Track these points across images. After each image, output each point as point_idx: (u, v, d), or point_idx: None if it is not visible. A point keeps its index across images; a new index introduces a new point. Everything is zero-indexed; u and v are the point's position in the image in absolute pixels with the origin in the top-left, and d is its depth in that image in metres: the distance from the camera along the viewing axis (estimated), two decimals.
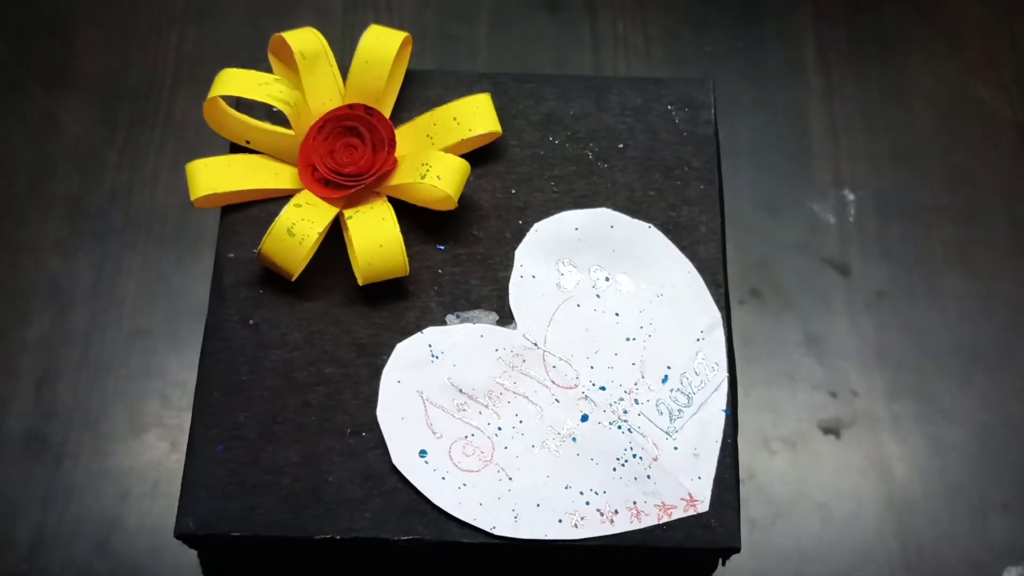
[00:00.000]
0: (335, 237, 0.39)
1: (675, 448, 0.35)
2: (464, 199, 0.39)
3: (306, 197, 0.37)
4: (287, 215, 0.36)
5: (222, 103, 0.39)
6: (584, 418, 0.35)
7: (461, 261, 0.38)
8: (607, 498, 0.34)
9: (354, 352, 0.36)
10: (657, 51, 0.59)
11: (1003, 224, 0.55)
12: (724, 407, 0.36)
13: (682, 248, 0.39)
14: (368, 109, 0.38)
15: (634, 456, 0.34)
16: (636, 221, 0.39)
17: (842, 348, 0.51)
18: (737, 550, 0.35)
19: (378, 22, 0.42)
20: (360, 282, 0.37)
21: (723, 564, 0.37)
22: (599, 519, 0.33)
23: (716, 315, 0.37)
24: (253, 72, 0.39)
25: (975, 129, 0.58)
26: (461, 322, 0.37)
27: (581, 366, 0.36)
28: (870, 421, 0.50)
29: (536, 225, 0.39)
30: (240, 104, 0.40)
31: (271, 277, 0.38)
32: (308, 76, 0.38)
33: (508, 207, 0.39)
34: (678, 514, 0.33)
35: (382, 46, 0.39)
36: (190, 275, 0.51)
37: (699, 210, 0.39)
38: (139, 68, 0.56)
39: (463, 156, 0.38)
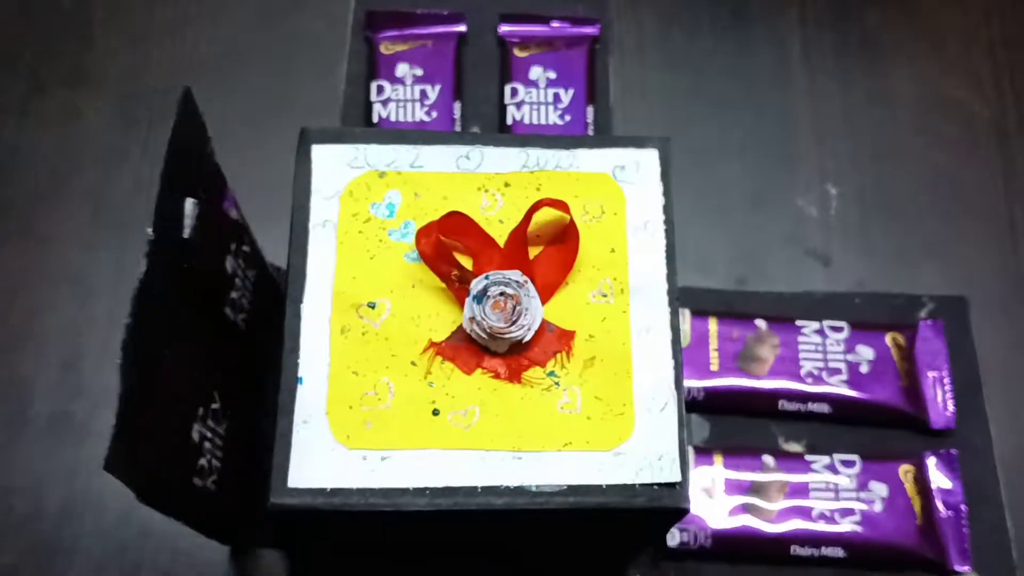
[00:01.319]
0: None
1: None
2: None
3: None
4: None
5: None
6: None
7: None
8: None
9: None
10: (652, 52, 0.62)
11: (979, 220, 0.58)
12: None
13: None
14: None
15: None
16: None
17: None
18: (687, 511, 0.37)
19: None
20: None
21: None
22: None
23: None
24: None
25: (953, 128, 0.61)
26: None
27: None
28: None
29: None
30: None
31: None
32: None
33: None
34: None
35: None
36: None
37: None
38: (157, 67, 0.59)
39: None
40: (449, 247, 0.37)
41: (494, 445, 0.35)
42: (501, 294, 0.35)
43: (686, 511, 0.35)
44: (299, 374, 0.36)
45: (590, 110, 0.57)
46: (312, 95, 0.58)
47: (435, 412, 0.35)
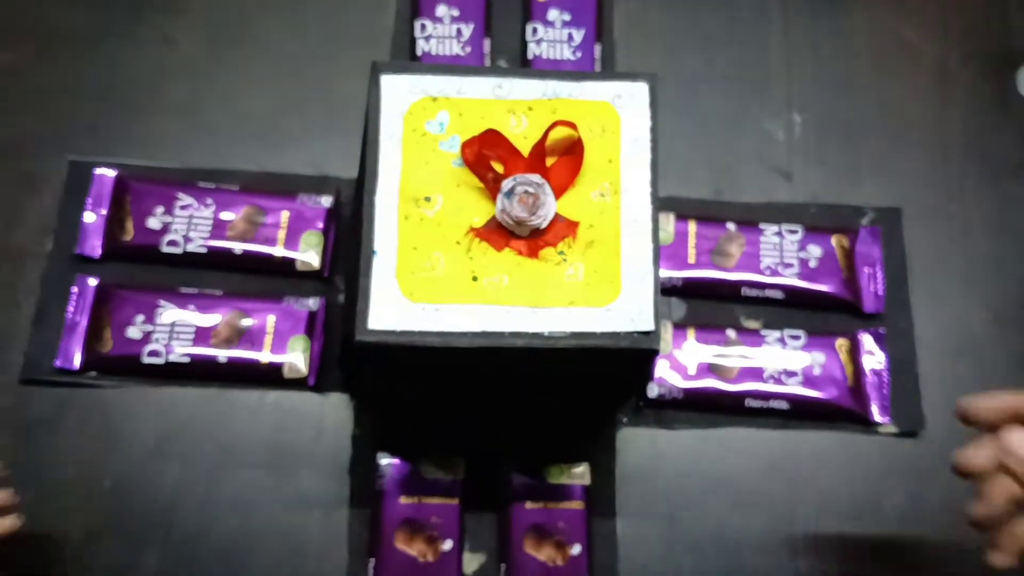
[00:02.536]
0: None
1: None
2: None
3: None
4: None
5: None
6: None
7: None
8: None
9: None
10: None
11: (917, 144, 0.70)
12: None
13: None
14: None
15: None
16: None
17: None
18: (657, 352, 0.49)
19: None
20: None
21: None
22: None
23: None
24: None
25: (902, 64, 0.72)
26: None
27: None
28: None
29: None
30: None
31: None
32: None
33: None
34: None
35: None
36: (284, 161, 0.66)
37: None
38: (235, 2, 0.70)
39: None
40: (486, 156, 0.49)
41: (518, 302, 0.48)
42: (525, 192, 0.48)
43: (657, 352, 0.49)
44: (374, 248, 0.48)
45: (598, 47, 0.69)
46: (366, 29, 0.70)
47: (474, 278, 0.48)
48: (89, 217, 0.63)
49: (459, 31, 0.68)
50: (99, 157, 0.65)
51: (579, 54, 0.68)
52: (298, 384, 0.61)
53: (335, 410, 0.61)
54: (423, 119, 0.50)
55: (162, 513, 0.58)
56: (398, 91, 0.51)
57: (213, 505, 0.59)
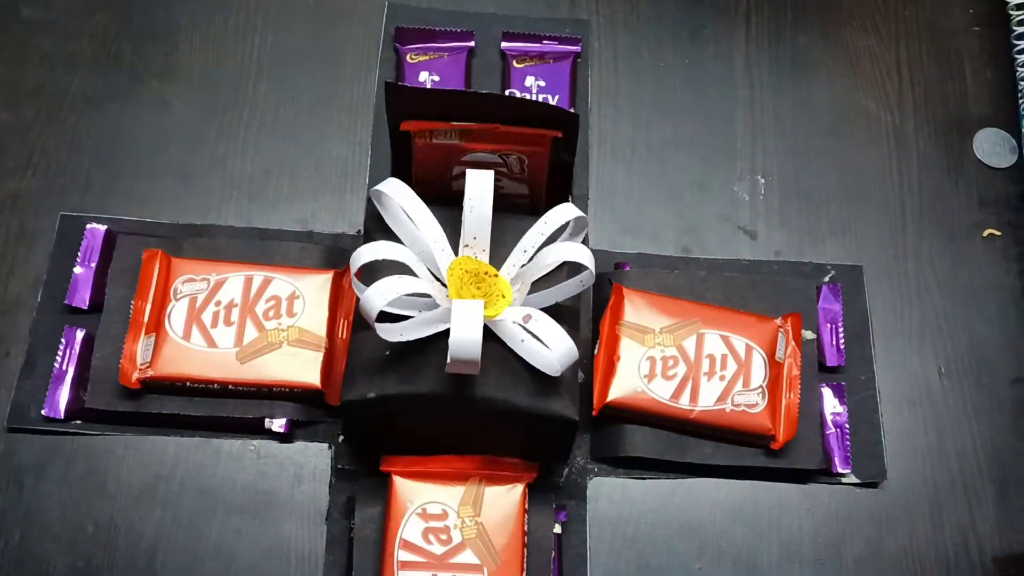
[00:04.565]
0: None
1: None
2: None
3: None
4: None
5: None
6: None
7: None
8: None
9: None
10: (623, 66, 0.77)
11: (876, 205, 0.74)
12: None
13: None
14: None
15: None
16: None
17: None
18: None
19: None
20: None
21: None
22: None
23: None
24: None
25: (861, 131, 0.76)
26: None
27: None
28: None
29: None
30: None
31: None
32: None
33: None
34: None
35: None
36: (273, 221, 0.69)
37: None
38: (230, 64, 0.74)
39: None
40: None
41: None
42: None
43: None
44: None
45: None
46: (352, 92, 0.73)
47: None
48: (79, 270, 0.65)
49: None
50: (94, 213, 0.68)
51: None
52: (279, 435, 0.63)
53: (315, 458, 0.63)
54: None
55: (145, 558, 0.60)
56: None
57: (195, 550, 0.60)
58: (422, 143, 0.57)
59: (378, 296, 0.50)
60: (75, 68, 0.73)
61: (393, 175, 0.56)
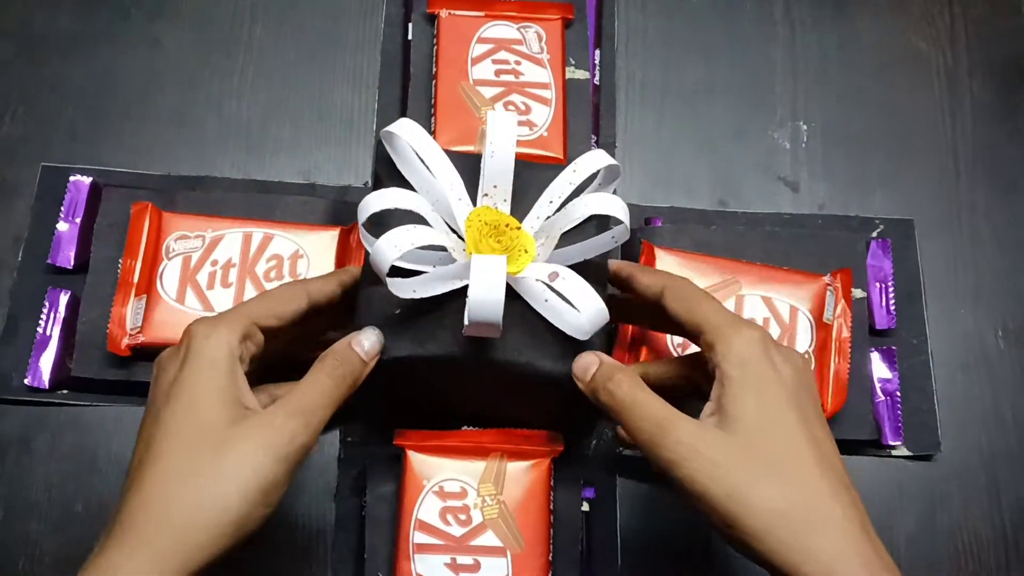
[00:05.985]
0: None
1: None
2: None
3: None
4: None
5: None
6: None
7: None
8: None
9: None
10: (652, 3, 0.70)
11: (927, 153, 0.68)
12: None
13: None
14: None
15: None
16: None
17: None
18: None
19: None
20: None
21: None
22: None
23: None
24: None
25: (910, 73, 0.70)
26: None
27: None
28: None
29: None
30: None
31: None
32: None
33: None
34: None
35: None
36: (273, 172, 0.64)
37: None
38: (225, 3, 0.68)
39: None
40: None
41: None
42: None
43: None
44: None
45: (597, 52, 0.66)
46: (358, 31, 0.67)
47: None
48: (63, 226, 0.60)
49: None
50: (79, 163, 0.62)
51: None
52: None
53: None
54: None
55: None
56: None
57: None
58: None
59: (391, 247, 0.45)
60: (56, 3, 0.67)
61: (403, 116, 0.50)
